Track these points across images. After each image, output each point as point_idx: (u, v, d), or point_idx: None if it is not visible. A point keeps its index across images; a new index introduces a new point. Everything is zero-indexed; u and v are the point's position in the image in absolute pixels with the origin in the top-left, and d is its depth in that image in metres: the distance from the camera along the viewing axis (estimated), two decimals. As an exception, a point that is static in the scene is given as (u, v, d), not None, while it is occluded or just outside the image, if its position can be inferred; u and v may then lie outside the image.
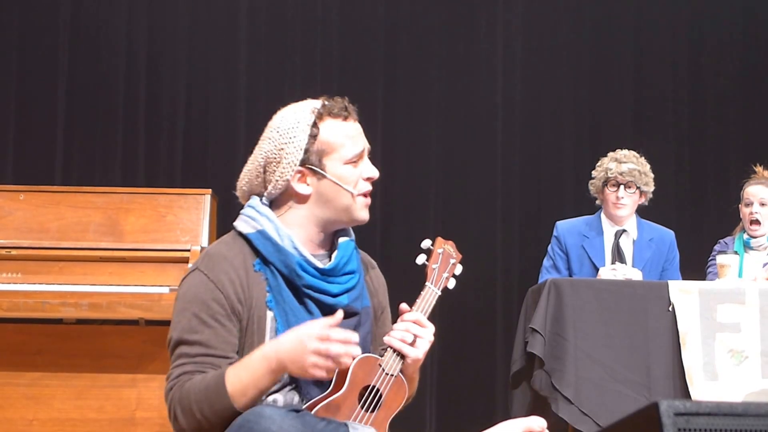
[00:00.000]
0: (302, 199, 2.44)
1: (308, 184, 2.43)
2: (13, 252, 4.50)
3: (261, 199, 2.48)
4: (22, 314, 4.36)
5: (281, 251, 2.38)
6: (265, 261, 2.40)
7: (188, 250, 4.43)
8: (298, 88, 6.60)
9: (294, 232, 2.42)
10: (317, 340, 2.21)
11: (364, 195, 2.48)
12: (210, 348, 2.31)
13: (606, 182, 5.03)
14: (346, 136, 2.45)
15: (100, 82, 6.72)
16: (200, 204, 4.67)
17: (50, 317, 4.41)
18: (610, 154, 5.11)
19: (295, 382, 2.37)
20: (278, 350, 2.25)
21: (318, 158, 2.42)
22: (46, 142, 6.59)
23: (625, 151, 5.08)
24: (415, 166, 6.88)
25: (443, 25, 7.01)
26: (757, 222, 5.06)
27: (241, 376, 2.24)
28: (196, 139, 6.77)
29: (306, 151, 2.41)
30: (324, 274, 2.42)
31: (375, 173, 2.49)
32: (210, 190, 4.75)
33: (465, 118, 6.95)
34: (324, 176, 2.42)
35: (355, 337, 2.26)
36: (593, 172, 5.13)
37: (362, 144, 2.48)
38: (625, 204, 5.00)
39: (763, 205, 5.06)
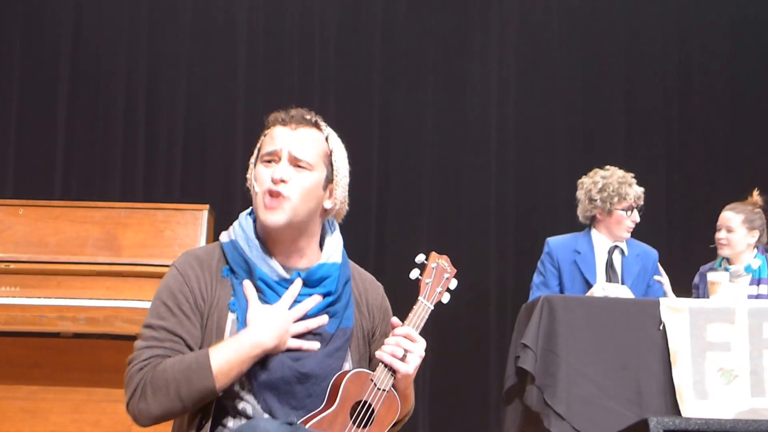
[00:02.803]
0: None
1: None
2: (12, 266, 4.54)
3: (250, 211, 2.56)
4: (20, 328, 4.40)
5: (246, 260, 2.46)
6: (233, 269, 2.48)
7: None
8: (296, 103, 6.63)
9: (264, 240, 2.49)
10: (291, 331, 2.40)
11: (267, 194, 2.44)
12: (176, 336, 2.38)
13: (618, 204, 5.03)
14: (270, 137, 2.50)
15: (100, 97, 6.78)
16: (198, 219, 4.71)
17: (47, 331, 4.44)
18: (606, 174, 5.08)
19: (254, 392, 2.40)
20: (264, 344, 2.36)
21: (256, 158, 2.53)
22: (45, 157, 6.63)
23: (621, 172, 5.11)
24: (409, 181, 6.93)
25: (439, 42, 7.08)
26: (722, 245, 5.10)
27: (229, 359, 2.32)
28: (195, 155, 6.82)
29: (257, 150, 2.54)
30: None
31: (277, 174, 2.43)
32: (207, 205, 4.80)
33: (460, 134, 7.01)
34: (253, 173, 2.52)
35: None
36: (595, 192, 5.07)
37: (278, 145, 2.47)
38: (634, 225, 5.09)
39: (729, 231, 5.09)
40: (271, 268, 2.45)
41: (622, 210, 5.04)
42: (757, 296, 4.98)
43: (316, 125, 2.53)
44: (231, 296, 2.44)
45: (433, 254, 2.62)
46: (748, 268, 5.07)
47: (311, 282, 2.48)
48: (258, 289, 2.44)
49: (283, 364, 2.39)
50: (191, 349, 2.39)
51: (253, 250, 2.46)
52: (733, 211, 5.11)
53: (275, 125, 2.51)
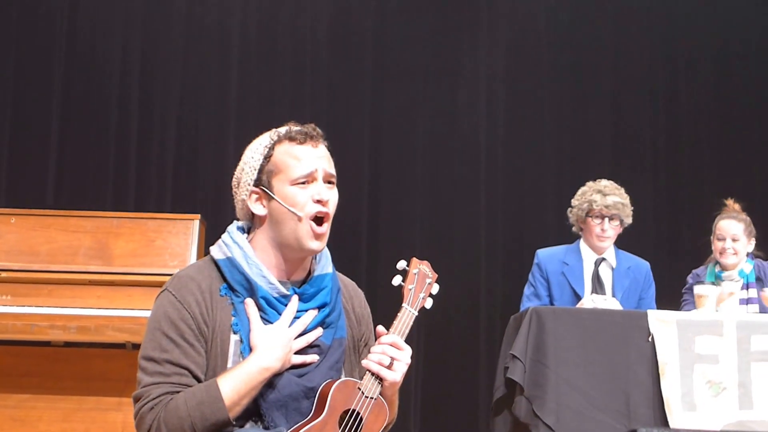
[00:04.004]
0: (261, 220, 2.49)
1: (263, 206, 2.47)
2: (3, 274, 4.54)
3: (238, 225, 2.54)
4: (11, 336, 4.39)
5: (247, 279, 2.44)
6: (231, 287, 2.45)
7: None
8: (287, 116, 6.64)
9: (261, 256, 2.46)
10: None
11: (314, 219, 2.44)
12: (182, 368, 2.36)
13: (589, 213, 5.08)
14: (295, 158, 2.44)
15: (92, 107, 6.78)
16: (189, 229, 4.72)
17: (38, 340, 4.44)
18: (591, 184, 5.15)
19: (262, 412, 2.40)
20: (272, 368, 2.36)
21: (268, 179, 2.46)
22: (38, 166, 6.64)
23: (606, 182, 5.13)
24: (400, 193, 6.94)
25: (430, 53, 7.11)
26: (729, 254, 5.11)
27: (239, 389, 2.32)
28: (186, 165, 6.83)
29: (260, 171, 2.47)
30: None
31: (325, 196, 2.44)
32: (199, 215, 4.81)
33: (450, 146, 7.03)
34: (272, 197, 2.45)
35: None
36: (574, 201, 5.17)
37: (312, 166, 2.44)
38: (609, 236, 5.08)
39: (735, 240, 5.11)
40: (272, 285, 2.44)
41: (592, 218, 5.06)
42: (748, 300, 5.02)
43: (323, 137, 2.53)
44: (231, 316, 2.42)
45: (414, 260, 2.62)
46: (741, 273, 5.11)
47: (308, 295, 2.48)
48: (259, 308, 2.43)
49: (290, 381, 2.40)
50: (197, 378, 2.37)
51: (252, 268, 2.44)
52: (734, 220, 5.14)
53: (293, 143, 2.47)
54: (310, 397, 2.42)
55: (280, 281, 2.47)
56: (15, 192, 6.49)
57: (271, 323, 2.42)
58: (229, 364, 2.39)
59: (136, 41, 6.88)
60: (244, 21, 6.99)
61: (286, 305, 2.45)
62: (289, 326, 2.42)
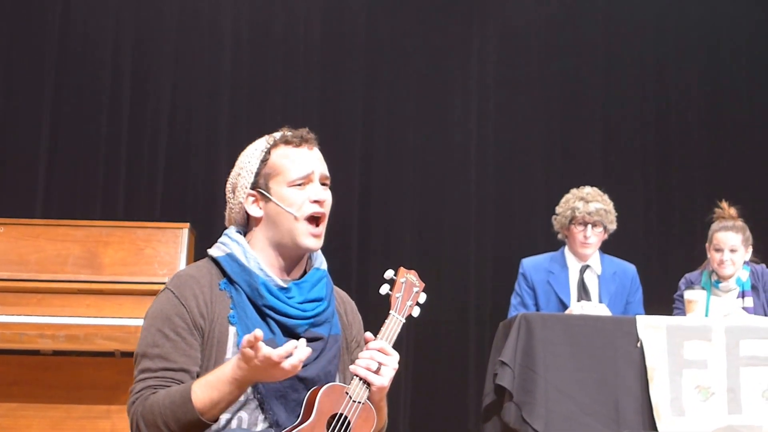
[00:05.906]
0: (257, 221, 2.54)
1: (260, 207, 2.53)
2: (-7, 283, 4.55)
3: (235, 228, 2.58)
4: (0, 345, 4.40)
5: (246, 271, 2.48)
6: (230, 280, 2.50)
7: (165, 283, 4.46)
8: (279, 124, 6.65)
9: (259, 255, 2.51)
10: (287, 367, 2.28)
11: (311, 219, 2.50)
12: (170, 361, 2.39)
13: (572, 220, 5.09)
14: (292, 160, 2.52)
15: (82, 116, 6.78)
16: (178, 238, 4.73)
17: (27, 348, 4.45)
18: (574, 191, 5.17)
19: (261, 401, 2.43)
20: (251, 379, 2.32)
21: (265, 181, 2.52)
22: (27, 175, 6.63)
23: (589, 189, 5.15)
24: (391, 202, 6.95)
25: (420, 60, 7.13)
26: (728, 265, 5.07)
27: (211, 395, 2.31)
28: (176, 174, 6.82)
29: (257, 174, 2.53)
30: (288, 297, 2.50)
31: (321, 196, 2.51)
32: (188, 224, 4.82)
33: (440, 155, 7.03)
34: (270, 198, 2.51)
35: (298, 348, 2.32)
36: (557, 208, 5.18)
37: (310, 168, 2.52)
38: (592, 243, 5.08)
39: (733, 251, 5.08)
40: (269, 278, 2.48)
41: (575, 225, 5.07)
42: (744, 309, 5.01)
43: (317, 140, 2.59)
44: (230, 309, 2.46)
45: (402, 269, 2.65)
46: (738, 281, 5.10)
47: (307, 285, 2.52)
48: (260, 294, 2.46)
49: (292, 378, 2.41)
50: (189, 371, 2.40)
51: (251, 261, 2.49)
52: (732, 231, 5.07)
53: (289, 146, 2.53)
54: (310, 386, 2.45)
55: (281, 279, 2.51)
56: (3, 201, 6.47)
57: (273, 308, 2.45)
58: (228, 356, 2.42)
59: (128, 48, 6.88)
60: (236, 39, 7.00)
61: (284, 299, 2.48)
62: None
